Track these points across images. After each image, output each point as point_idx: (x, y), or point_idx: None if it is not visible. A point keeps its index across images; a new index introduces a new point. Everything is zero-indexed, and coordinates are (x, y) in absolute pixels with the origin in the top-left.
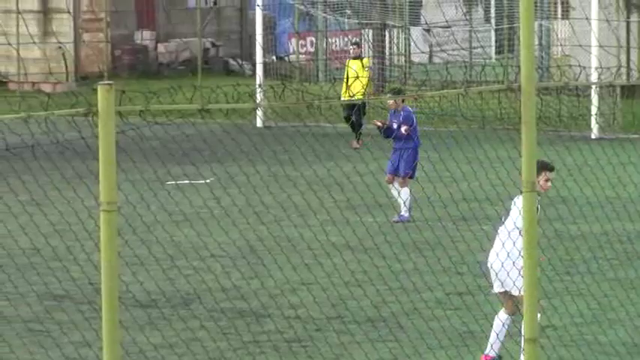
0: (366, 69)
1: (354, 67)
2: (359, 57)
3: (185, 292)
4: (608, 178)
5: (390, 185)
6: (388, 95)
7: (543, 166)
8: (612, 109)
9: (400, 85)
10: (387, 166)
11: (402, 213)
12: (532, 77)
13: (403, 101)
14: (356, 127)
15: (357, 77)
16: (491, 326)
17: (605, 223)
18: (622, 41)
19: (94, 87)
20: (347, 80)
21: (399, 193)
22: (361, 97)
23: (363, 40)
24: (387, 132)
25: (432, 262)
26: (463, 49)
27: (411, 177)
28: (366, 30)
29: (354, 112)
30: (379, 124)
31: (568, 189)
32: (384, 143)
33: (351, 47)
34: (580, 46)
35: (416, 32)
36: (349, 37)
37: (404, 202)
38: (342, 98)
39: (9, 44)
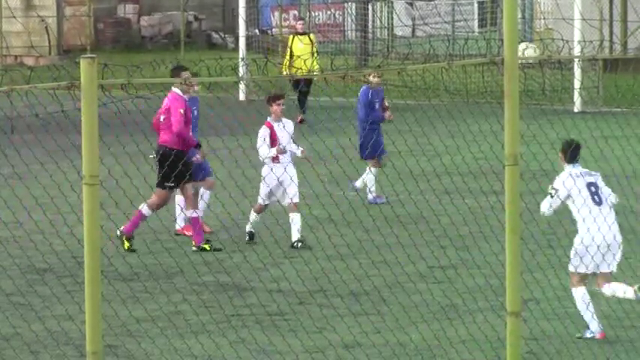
0: (315, 45)
1: (300, 43)
2: (305, 33)
3: (167, 265)
4: (591, 151)
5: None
6: (370, 71)
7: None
8: (595, 83)
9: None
10: (374, 149)
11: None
12: (515, 51)
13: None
14: (302, 101)
15: (312, 54)
16: (474, 300)
17: None
18: (605, 14)
19: (77, 60)
20: (291, 56)
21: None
22: (313, 72)
23: (345, 14)
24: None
25: (415, 236)
26: (446, 22)
27: None
28: (349, 3)
29: (303, 88)
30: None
31: (551, 162)
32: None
33: (298, 23)
34: (563, 19)
35: (399, 6)
36: (332, 10)
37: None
38: (286, 73)
39: None
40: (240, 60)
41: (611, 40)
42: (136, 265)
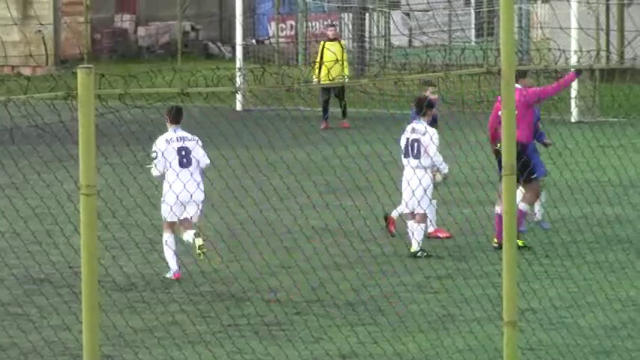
0: (345, 51)
1: (332, 49)
2: (336, 39)
3: (164, 275)
4: (588, 161)
5: None
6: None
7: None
8: (592, 93)
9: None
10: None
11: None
12: (512, 61)
13: None
14: (327, 109)
15: (340, 61)
16: (471, 310)
17: (585, 206)
18: (602, 24)
19: (74, 70)
20: (321, 62)
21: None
22: (342, 79)
23: (342, 24)
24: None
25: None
26: (444, 30)
27: None
28: (346, 13)
29: (338, 94)
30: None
31: (547, 172)
32: (375, 126)
33: (329, 29)
34: (560, 28)
35: (396, 16)
36: (329, 20)
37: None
38: (317, 80)
39: None
40: (237, 70)
41: (607, 50)
42: (133, 275)
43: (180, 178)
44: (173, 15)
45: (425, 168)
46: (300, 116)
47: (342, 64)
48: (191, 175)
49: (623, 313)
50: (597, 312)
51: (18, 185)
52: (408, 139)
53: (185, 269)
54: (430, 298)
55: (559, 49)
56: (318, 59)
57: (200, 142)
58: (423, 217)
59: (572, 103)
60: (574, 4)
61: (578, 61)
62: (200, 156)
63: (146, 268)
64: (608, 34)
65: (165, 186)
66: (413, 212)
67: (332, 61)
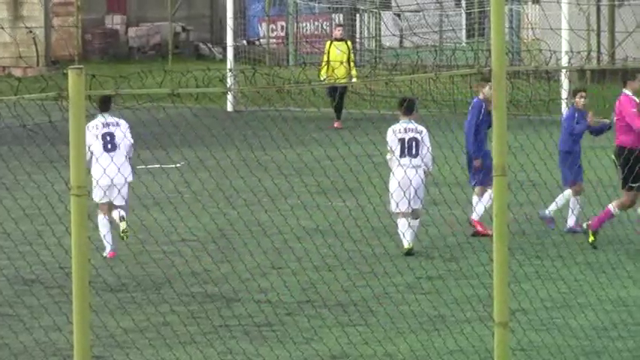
0: (352, 51)
1: (338, 49)
2: (343, 39)
3: (155, 276)
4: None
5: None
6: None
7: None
8: None
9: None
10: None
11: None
12: (502, 61)
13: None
14: (339, 109)
15: (347, 61)
16: (462, 310)
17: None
18: (592, 25)
19: (65, 71)
20: (328, 61)
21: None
22: (345, 80)
23: (333, 25)
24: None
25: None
26: (435, 31)
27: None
28: (337, 14)
29: (339, 95)
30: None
31: (539, 173)
32: (366, 127)
33: (337, 29)
34: (551, 29)
35: (386, 16)
36: (320, 21)
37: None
38: (324, 79)
39: None
40: (228, 71)
41: (598, 51)
42: (124, 276)
43: (112, 161)
44: (164, 16)
45: (419, 166)
46: (291, 117)
47: (349, 64)
48: (124, 157)
49: (614, 314)
50: (588, 312)
51: (8, 186)
52: (403, 138)
53: (176, 270)
54: (421, 298)
55: (550, 50)
56: (325, 59)
57: (128, 128)
58: (420, 213)
59: (563, 103)
60: (565, 5)
61: (569, 63)
62: (127, 139)
63: (137, 269)
64: (598, 35)
65: (96, 169)
66: (404, 212)
67: (337, 62)
